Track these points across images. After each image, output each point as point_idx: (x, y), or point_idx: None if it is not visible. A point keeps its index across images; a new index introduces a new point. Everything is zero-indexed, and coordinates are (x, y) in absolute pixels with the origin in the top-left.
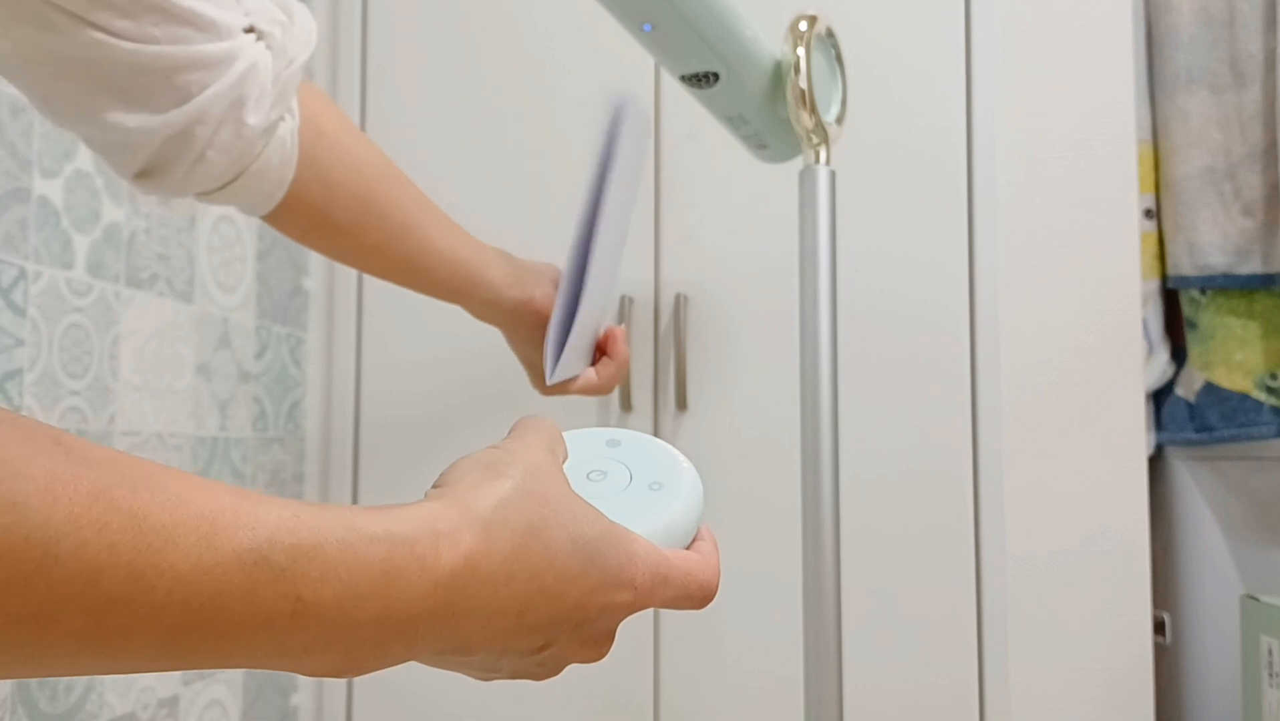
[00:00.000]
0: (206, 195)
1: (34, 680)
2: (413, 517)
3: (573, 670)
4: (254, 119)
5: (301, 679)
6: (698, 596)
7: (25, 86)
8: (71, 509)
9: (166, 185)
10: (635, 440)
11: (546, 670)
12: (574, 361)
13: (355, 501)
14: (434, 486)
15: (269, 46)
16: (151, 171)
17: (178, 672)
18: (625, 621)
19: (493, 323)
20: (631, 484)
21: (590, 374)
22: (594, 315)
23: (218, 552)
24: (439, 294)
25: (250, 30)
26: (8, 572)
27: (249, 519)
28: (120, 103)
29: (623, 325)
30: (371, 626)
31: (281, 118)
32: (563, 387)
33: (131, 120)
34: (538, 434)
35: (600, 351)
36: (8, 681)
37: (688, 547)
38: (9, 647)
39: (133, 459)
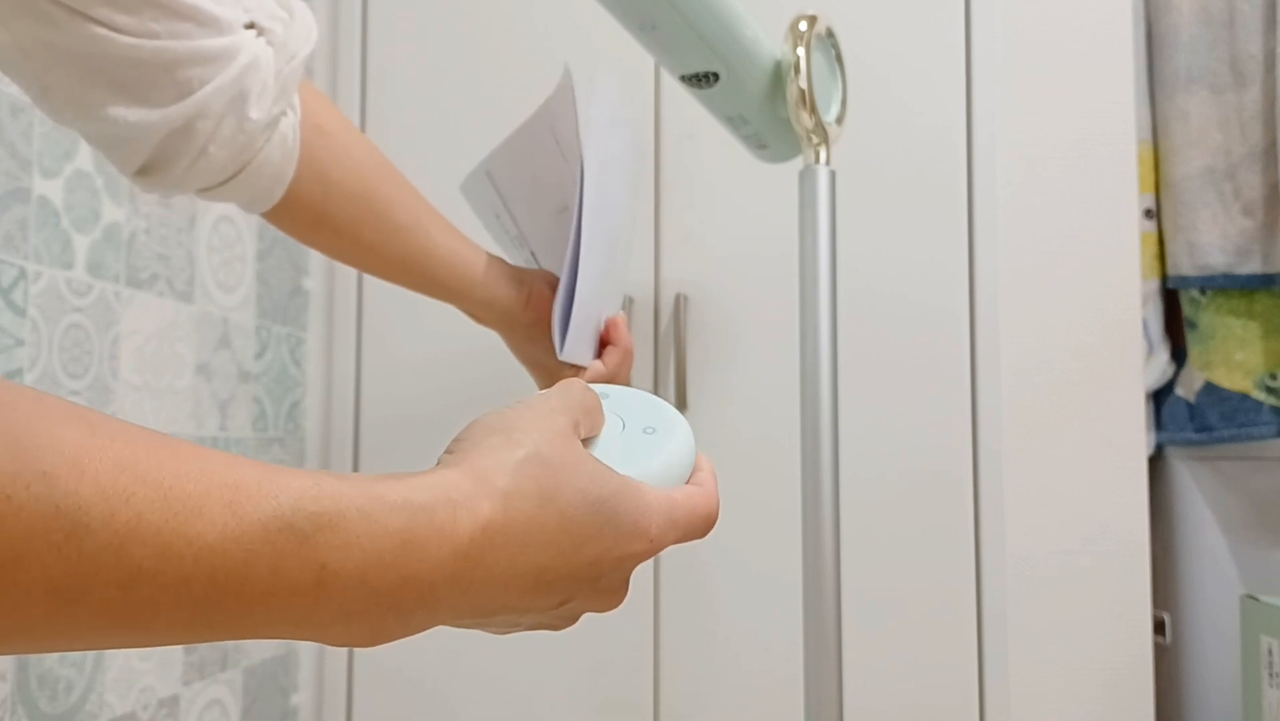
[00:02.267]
0: (207, 191)
1: (34, 680)
2: (430, 486)
3: (574, 670)
4: (256, 113)
5: (301, 678)
6: (702, 528)
7: (25, 82)
8: (99, 480)
9: (168, 181)
10: (620, 392)
11: (565, 621)
12: (580, 344)
13: None
14: (448, 451)
15: (270, 42)
16: (152, 167)
17: (178, 672)
18: (625, 623)
19: (490, 324)
20: (625, 430)
21: (597, 365)
22: (594, 294)
23: (243, 521)
24: (437, 293)
25: (251, 26)
26: (39, 543)
27: (272, 488)
28: (121, 98)
29: (622, 313)
30: (392, 594)
31: (284, 113)
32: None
33: (132, 115)
34: (566, 399)
35: (604, 343)
36: (8, 681)
37: (687, 481)
38: (40, 620)
39: (153, 432)
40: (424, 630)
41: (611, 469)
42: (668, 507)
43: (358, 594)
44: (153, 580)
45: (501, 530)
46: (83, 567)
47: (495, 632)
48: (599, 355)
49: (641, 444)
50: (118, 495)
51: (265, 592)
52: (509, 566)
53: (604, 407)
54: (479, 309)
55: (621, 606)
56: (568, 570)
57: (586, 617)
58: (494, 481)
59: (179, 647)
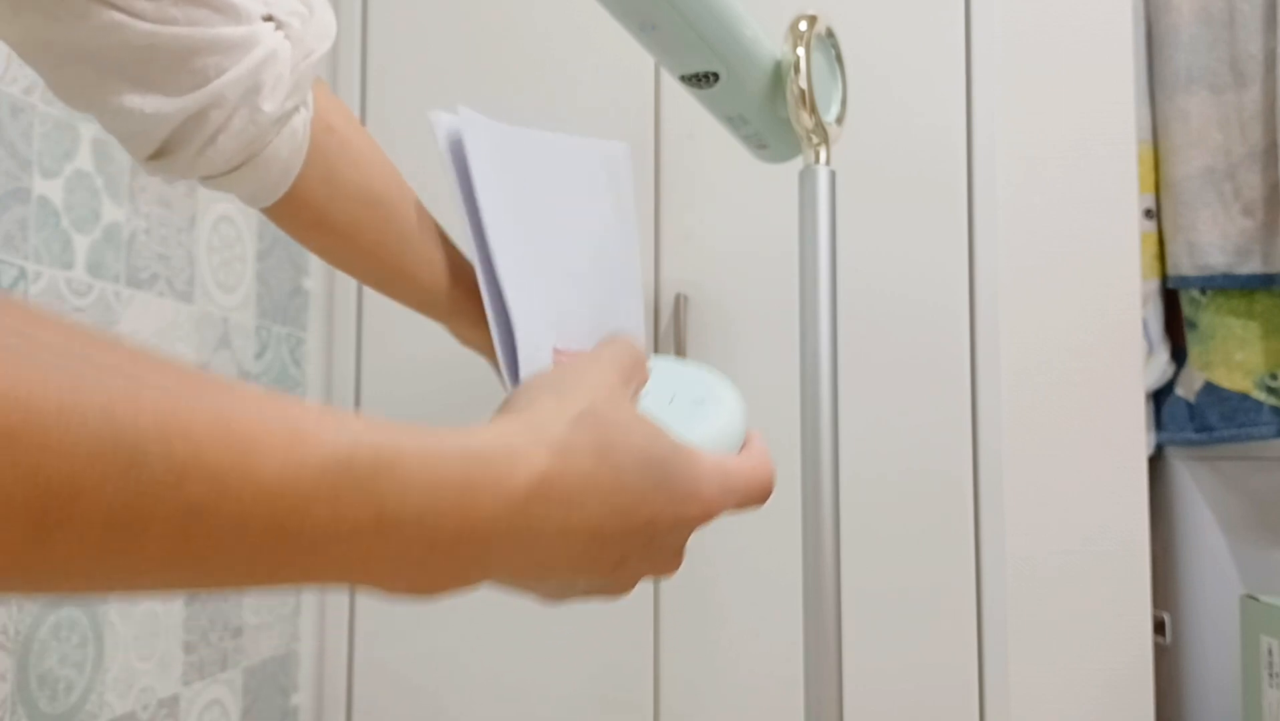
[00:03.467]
0: (211, 180)
1: (34, 680)
2: (487, 436)
3: (575, 671)
4: (269, 106)
5: (301, 679)
6: (759, 496)
7: (41, 70)
8: (158, 413)
9: (175, 166)
10: (669, 363)
11: (620, 586)
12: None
13: None
14: (500, 411)
15: (288, 36)
16: (161, 152)
17: (178, 672)
18: (626, 624)
19: (479, 347)
20: (675, 401)
21: None
22: (545, 326)
23: (303, 460)
24: (429, 309)
25: (269, 19)
26: (97, 475)
27: (330, 427)
28: (135, 87)
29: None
30: (450, 542)
31: (296, 109)
32: None
33: (148, 105)
34: (613, 354)
35: None
36: (8, 681)
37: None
38: (98, 557)
39: (198, 369)
40: (477, 583)
41: (665, 431)
42: (722, 473)
43: (416, 540)
44: (211, 517)
45: (558, 483)
46: (141, 502)
47: (549, 599)
48: None
49: (691, 412)
50: (176, 428)
51: (324, 534)
52: (564, 521)
53: (654, 378)
54: (470, 331)
55: (631, 598)
56: (623, 529)
57: (586, 618)
58: (550, 434)
59: (178, 646)
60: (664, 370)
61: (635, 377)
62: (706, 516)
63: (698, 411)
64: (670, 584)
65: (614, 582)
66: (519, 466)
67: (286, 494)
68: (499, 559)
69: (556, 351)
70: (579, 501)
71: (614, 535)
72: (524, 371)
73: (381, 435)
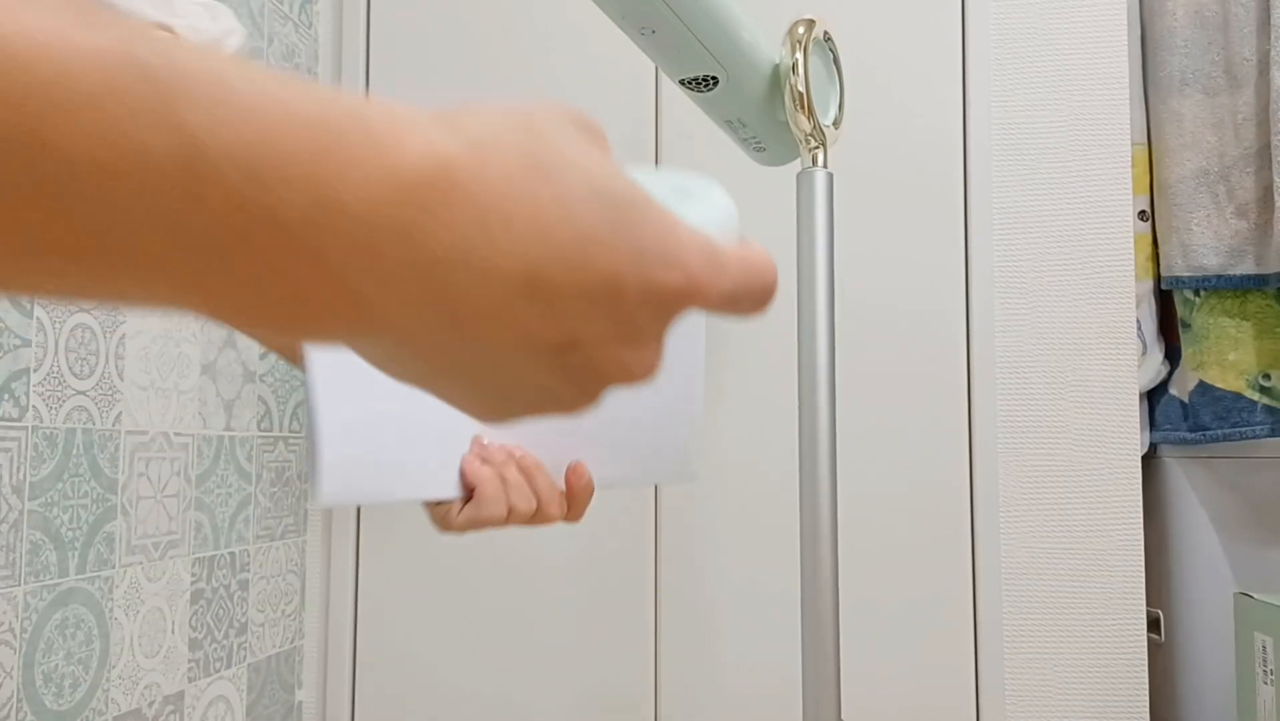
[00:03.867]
0: None
1: (39, 677)
2: (365, 99)
3: (577, 675)
4: None
5: (305, 675)
6: (759, 290)
7: None
8: None
9: None
10: (648, 169)
11: (578, 387)
12: (362, 476)
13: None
14: None
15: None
16: None
17: (183, 669)
18: (626, 634)
19: None
20: (654, 190)
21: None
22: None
23: (66, 42)
24: (293, 356)
25: (166, 29)
26: None
27: (106, 16)
28: None
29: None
30: (303, 222)
31: None
32: (446, 520)
33: None
34: (563, 106)
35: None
36: (14, 678)
37: None
38: None
39: None
40: (370, 321)
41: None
42: (710, 245)
43: (250, 200)
44: None
45: (469, 179)
46: None
47: (488, 399)
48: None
49: (676, 201)
50: None
51: (112, 170)
52: (481, 238)
53: (629, 173)
54: None
55: (630, 606)
56: (574, 283)
57: (589, 625)
58: (464, 125)
59: (183, 643)
60: (642, 171)
61: (594, 137)
62: (690, 291)
63: (683, 201)
64: (670, 594)
65: (570, 378)
66: (409, 138)
67: (42, 62)
68: (390, 270)
69: (480, 442)
70: (503, 216)
71: (560, 290)
72: (327, 433)
73: (187, 46)
